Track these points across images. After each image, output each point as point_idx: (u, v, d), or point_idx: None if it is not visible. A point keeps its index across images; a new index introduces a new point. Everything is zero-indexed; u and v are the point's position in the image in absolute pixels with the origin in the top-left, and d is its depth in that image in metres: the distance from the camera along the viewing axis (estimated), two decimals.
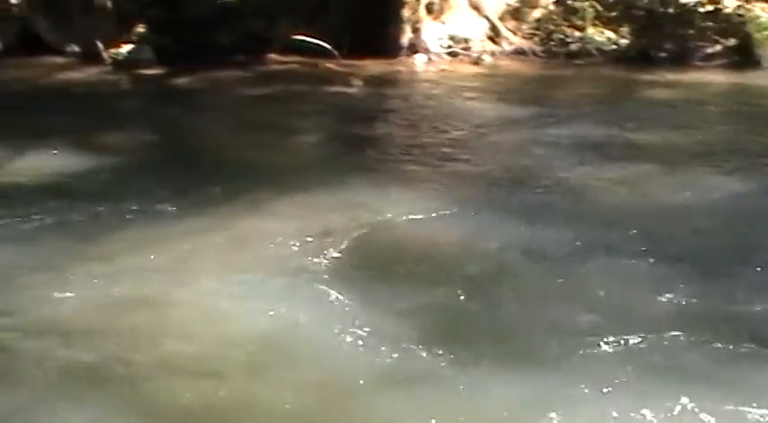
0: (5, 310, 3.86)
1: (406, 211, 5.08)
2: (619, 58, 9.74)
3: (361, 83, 8.64)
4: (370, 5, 9.44)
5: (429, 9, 9.67)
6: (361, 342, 3.63)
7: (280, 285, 4.16)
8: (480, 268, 4.36)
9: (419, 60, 9.59)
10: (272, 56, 9.50)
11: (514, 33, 9.92)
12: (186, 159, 6.21)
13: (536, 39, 9.91)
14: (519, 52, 9.83)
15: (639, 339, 3.66)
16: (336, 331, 3.71)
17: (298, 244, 4.58)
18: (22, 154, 5.96)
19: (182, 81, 8.67)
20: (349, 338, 3.66)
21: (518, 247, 4.60)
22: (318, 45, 9.22)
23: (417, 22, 9.59)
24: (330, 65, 9.14)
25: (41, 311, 3.86)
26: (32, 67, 8.79)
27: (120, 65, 9.06)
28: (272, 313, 3.89)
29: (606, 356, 3.57)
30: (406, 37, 9.59)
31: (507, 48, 9.82)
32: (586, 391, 3.33)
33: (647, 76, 9.09)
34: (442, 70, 9.30)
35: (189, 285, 4.14)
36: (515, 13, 10.05)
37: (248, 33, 9.71)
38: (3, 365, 3.46)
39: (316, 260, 4.39)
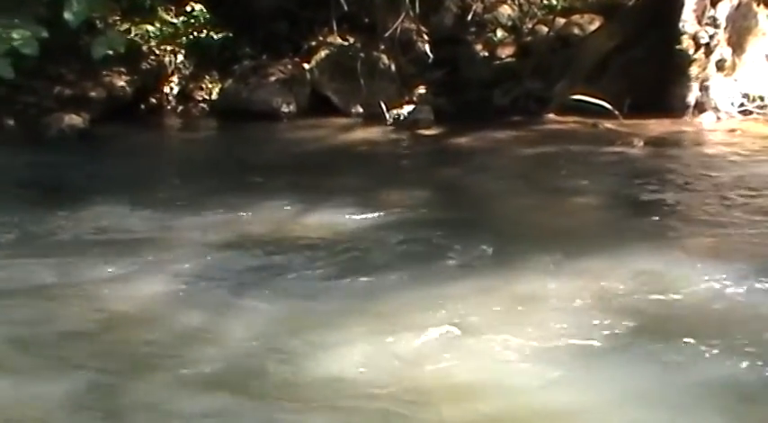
0: (285, 359, 3.97)
1: (697, 279, 4.74)
2: None
3: (642, 143, 8.30)
4: (654, 63, 9.12)
5: (719, 66, 9.16)
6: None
7: (560, 352, 4.01)
8: None
9: (707, 120, 9.08)
10: (550, 116, 9.40)
11: None
12: (463, 219, 6.23)
13: None
14: None
15: None
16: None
17: (578, 308, 4.43)
18: (310, 211, 6.24)
19: (459, 141, 8.79)
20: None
21: None
22: (598, 104, 9.01)
23: (706, 79, 9.11)
24: (610, 125, 8.88)
25: (321, 365, 3.94)
26: (321, 128, 9.29)
27: (401, 125, 9.36)
28: (557, 380, 3.76)
29: None
30: (693, 95, 9.13)
31: None
32: None
33: None
34: (733, 130, 8.73)
35: (469, 347, 4.09)
36: None
37: (525, 93, 9.72)
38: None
39: (598, 327, 4.21)
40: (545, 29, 10.34)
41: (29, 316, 4.48)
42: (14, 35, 8.50)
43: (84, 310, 4.54)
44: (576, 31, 10.03)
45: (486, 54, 10.36)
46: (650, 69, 9.13)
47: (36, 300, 4.68)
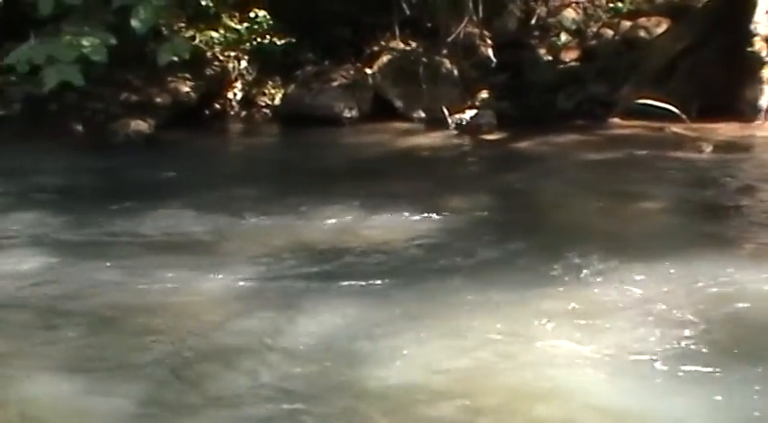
0: (350, 363, 3.96)
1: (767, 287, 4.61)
2: None
3: (711, 148, 8.12)
4: (723, 66, 8.93)
5: None
6: None
7: (627, 360, 3.93)
8: None
9: None
10: (615, 120, 9.27)
11: None
12: (526, 224, 6.16)
13: None
14: None
15: None
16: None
17: (643, 315, 4.33)
18: (373, 215, 6.23)
19: (522, 145, 8.71)
20: None
21: None
22: (664, 108, 8.84)
23: None
24: (677, 129, 8.71)
25: (385, 369, 3.91)
26: (383, 133, 9.30)
27: (463, 129, 9.31)
28: (625, 388, 3.69)
29: None
30: (765, 98, 8.91)
31: None
32: None
33: None
34: None
35: (534, 353, 4.03)
36: None
37: (590, 97, 9.60)
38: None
39: (662, 335, 4.13)
40: (610, 32, 10.20)
41: (93, 318, 4.54)
42: (84, 42, 8.67)
43: (149, 312, 4.58)
44: (643, 33, 9.87)
45: (550, 58, 10.27)
46: (719, 72, 8.95)
47: (101, 301, 4.74)
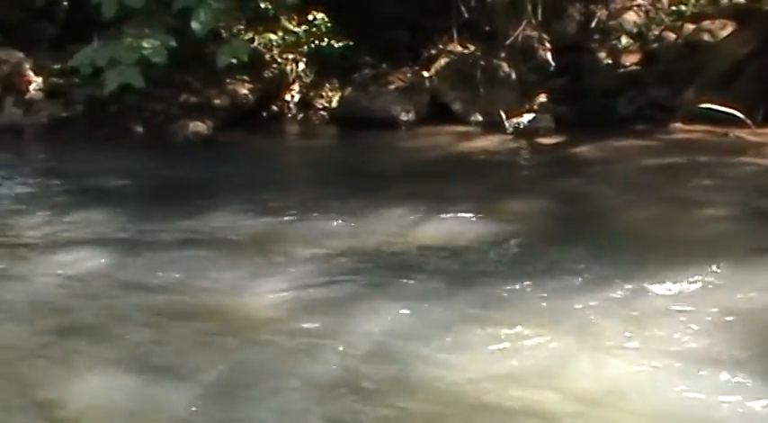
0: (405, 364, 3.94)
1: None
2: None
3: None
4: None
5: None
6: None
7: (683, 367, 3.85)
8: None
9: None
10: (677, 125, 9.09)
11: None
12: (583, 229, 6.07)
13: None
14: None
15: None
16: None
17: (699, 324, 4.26)
18: (428, 218, 6.20)
19: (580, 150, 8.59)
20: None
21: None
22: (729, 113, 8.65)
23: None
24: (741, 134, 8.51)
25: (429, 373, 3.89)
26: (439, 136, 9.26)
27: (520, 133, 9.23)
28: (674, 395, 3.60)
29: None
30: None
31: None
32: None
33: None
34: None
35: (591, 359, 3.96)
36: None
37: (651, 102, 9.44)
38: None
39: (723, 342, 4.05)
40: (672, 35, 10.01)
41: (152, 317, 4.58)
42: (145, 44, 8.82)
43: (207, 311, 4.62)
44: (707, 37, 9.67)
45: (610, 61, 10.12)
46: None
47: (159, 300, 4.79)
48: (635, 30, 10.28)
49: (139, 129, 9.30)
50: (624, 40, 10.20)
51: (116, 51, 8.85)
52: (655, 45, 10.13)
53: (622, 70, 9.92)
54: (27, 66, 9.56)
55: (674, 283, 4.81)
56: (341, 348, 4.12)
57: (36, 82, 9.50)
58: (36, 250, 5.67)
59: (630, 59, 10.06)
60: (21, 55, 9.63)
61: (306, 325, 4.41)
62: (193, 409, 3.64)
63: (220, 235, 5.91)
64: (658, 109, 9.32)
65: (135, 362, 4.07)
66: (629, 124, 9.18)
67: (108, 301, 4.79)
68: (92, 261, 5.37)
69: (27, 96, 9.44)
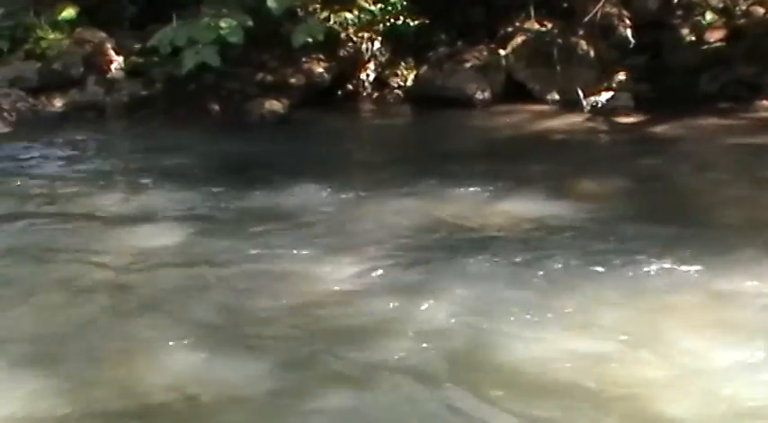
0: (473, 347, 3.91)
1: None
2: None
3: None
4: None
5: None
6: None
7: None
8: None
9: None
10: (763, 103, 8.81)
11: None
12: (662, 210, 5.94)
13: None
14: None
15: None
16: None
17: None
18: (503, 199, 6.14)
19: (661, 129, 8.39)
20: None
21: None
22: None
23: None
24: None
25: (509, 355, 3.85)
26: (515, 115, 9.13)
27: (599, 112, 9.05)
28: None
29: None
30: None
31: None
32: None
33: None
34: None
35: (658, 345, 3.88)
36: None
37: (736, 79, 9.16)
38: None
39: None
40: (761, 10, 9.66)
41: (227, 293, 4.64)
42: (222, 24, 8.90)
43: (275, 289, 4.66)
44: None
45: (693, 38, 9.81)
46: None
47: (234, 276, 4.85)
48: (720, 5, 9.95)
49: (216, 107, 9.40)
50: (709, 16, 9.88)
51: (194, 31, 8.96)
52: (741, 20, 9.78)
53: (706, 47, 9.61)
54: (109, 45, 9.73)
55: (758, 265, 4.68)
56: (409, 327, 4.11)
57: (117, 61, 9.67)
58: (113, 226, 5.79)
59: (715, 36, 9.74)
60: (103, 35, 9.81)
61: (374, 304, 4.40)
62: (260, 383, 3.68)
63: (295, 212, 5.94)
64: (744, 87, 9.03)
65: (206, 335, 4.13)
66: (713, 103, 8.92)
67: (183, 277, 4.86)
68: (168, 238, 5.45)
69: (108, 75, 9.61)
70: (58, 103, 9.43)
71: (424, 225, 5.58)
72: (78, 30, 9.81)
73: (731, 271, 4.63)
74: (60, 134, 8.52)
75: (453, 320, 4.18)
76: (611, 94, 9.23)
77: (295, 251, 5.14)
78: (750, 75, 9.09)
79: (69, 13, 9.84)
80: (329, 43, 9.63)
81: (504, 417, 3.41)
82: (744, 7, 9.84)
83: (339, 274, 4.81)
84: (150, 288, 4.72)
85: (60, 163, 7.53)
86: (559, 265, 4.81)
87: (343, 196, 6.24)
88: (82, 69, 9.52)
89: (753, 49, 9.22)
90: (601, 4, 9.51)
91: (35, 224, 5.83)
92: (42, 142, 8.18)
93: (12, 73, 9.48)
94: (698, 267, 4.69)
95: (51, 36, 9.73)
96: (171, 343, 4.06)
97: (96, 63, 9.62)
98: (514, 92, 9.57)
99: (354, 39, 10.07)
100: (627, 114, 8.91)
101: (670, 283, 4.54)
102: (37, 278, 4.86)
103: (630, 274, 4.67)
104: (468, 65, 9.69)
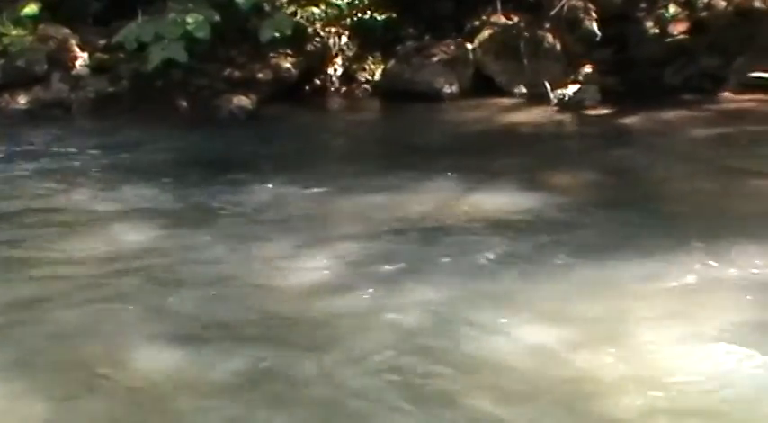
0: (450, 342, 3.92)
1: None
2: None
3: None
4: None
5: None
6: None
7: (737, 343, 3.78)
8: None
9: None
10: (726, 94, 8.92)
11: None
12: (632, 201, 6.00)
13: None
14: None
15: None
16: None
17: (755, 296, 4.19)
18: (473, 192, 6.16)
19: (627, 121, 8.46)
20: None
21: None
22: None
23: None
24: None
25: (486, 349, 3.87)
26: (483, 109, 9.16)
27: (566, 105, 9.10)
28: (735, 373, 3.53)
29: None
30: None
31: None
32: None
33: None
34: None
35: (640, 337, 3.91)
36: None
37: (699, 71, 9.26)
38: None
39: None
40: (723, 3, 9.77)
41: (198, 290, 4.62)
42: (188, 19, 8.83)
43: (251, 286, 4.64)
44: (759, 4, 9.44)
45: (657, 31, 9.91)
46: None
47: (205, 273, 4.82)
48: None
49: (184, 103, 9.34)
50: (672, 9, 9.98)
51: (160, 26, 8.89)
52: (704, 13, 9.90)
53: (670, 40, 9.71)
54: (73, 41, 9.63)
55: (730, 255, 4.73)
56: (385, 322, 4.11)
57: (82, 58, 9.57)
58: (82, 224, 5.74)
59: (678, 28, 9.84)
60: (67, 31, 9.70)
61: (350, 299, 4.40)
62: (238, 379, 3.67)
63: (265, 208, 5.93)
64: (707, 79, 9.14)
65: (180, 332, 4.11)
66: (678, 95, 9.02)
67: (153, 273, 4.83)
68: (136, 235, 5.41)
69: (73, 72, 9.51)
70: (22, 100, 9.32)
71: (395, 219, 5.59)
72: (41, 26, 9.69)
73: (700, 260, 4.68)
74: (25, 132, 8.42)
75: (424, 313, 4.19)
76: (577, 87, 9.29)
77: (266, 246, 5.13)
78: (713, 67, 9.20)
79: (32, 9, 9.72)
80: (297, 38, 9.60)
81: (467, 410, 3.41)
82: (705, 0, 9.97)
83: (310, 267, 4.81)
84: (119, 284, 4.68)
85: (25, 161, 7.42)
86: (530, 257, 4.85)
87: (314, 191, 6.23)
88: (46, 66, 9.42)
89: (715, 42, 9.34)
90: None
91: None
92: (6, 140, 8.07)
93: None
94: (666, 257, 4.73)
95: (14, 32, 9.60)
96: (142, 338, 4.03)
97: (60, 60, 9.51)
98: (482, 85, 9.61)
99: (322, 33, 10.05)
100: (594, 107, 8.98)
101: (640, 274, 4.57)
102: (1, 276, 4.80)
103: (600, 264, 4.70)
104: (435, 59, 9.71)
